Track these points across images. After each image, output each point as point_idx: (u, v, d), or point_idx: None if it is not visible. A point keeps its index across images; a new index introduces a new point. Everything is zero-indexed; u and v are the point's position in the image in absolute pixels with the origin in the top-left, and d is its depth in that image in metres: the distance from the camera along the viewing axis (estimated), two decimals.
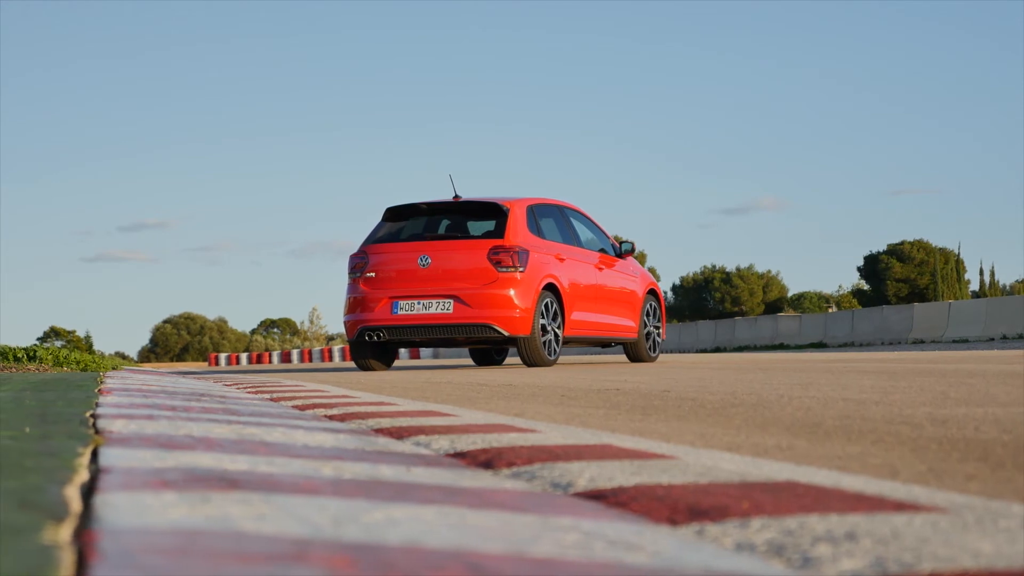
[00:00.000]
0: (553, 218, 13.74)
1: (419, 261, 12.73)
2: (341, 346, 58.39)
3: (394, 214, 13.35)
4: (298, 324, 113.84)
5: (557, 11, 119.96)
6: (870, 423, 3.77)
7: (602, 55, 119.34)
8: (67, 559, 1.17)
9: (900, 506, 1.95)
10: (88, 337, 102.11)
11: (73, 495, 1.75)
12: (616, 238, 14.88)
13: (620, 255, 14.60)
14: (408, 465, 2.67)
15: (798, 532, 1.74)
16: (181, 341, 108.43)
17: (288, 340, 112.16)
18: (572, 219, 14.15)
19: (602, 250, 14.35)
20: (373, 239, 13.21)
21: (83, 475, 2.08)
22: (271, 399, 6.09)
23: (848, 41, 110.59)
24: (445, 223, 13.46)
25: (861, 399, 5.06)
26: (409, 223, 13.38)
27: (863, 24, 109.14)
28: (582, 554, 1.48)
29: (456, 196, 13.36)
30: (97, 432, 3.06)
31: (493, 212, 13.05)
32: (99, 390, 6.04)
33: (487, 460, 2.87)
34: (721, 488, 2.21)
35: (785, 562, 1.57)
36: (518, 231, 12.82)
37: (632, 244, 14.71)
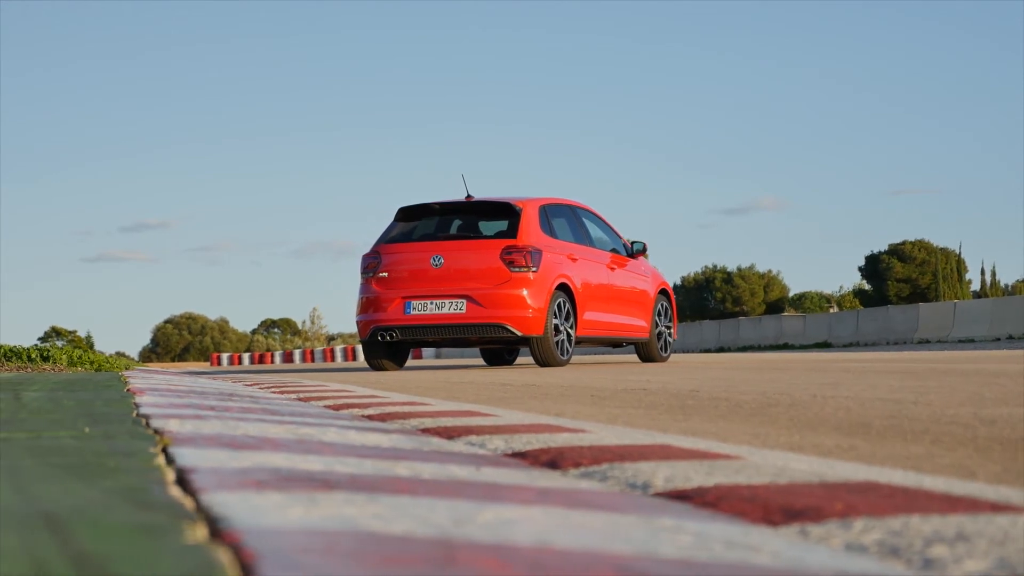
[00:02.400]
0: (565, 218, 13.74)
1: (432, 261, 12.72)
2: (343, 346, 58.40)
3: (406, 214, 13.35)
4: (299, 324, 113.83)
5: (556, 11, 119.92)
6: (919, 423, 3.76)
7: (602, 55, 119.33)
8: (226, 559, 1.16)
9: (996, 507, 1.95)
10: (89, 337, 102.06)
11: (178, 494, 1.74)
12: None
13: (632, 255, 14.60)
14: (476, 465, 2.66)
15: (905, 533, 1.73)
16: (182, 341, 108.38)
17: (289, 340, 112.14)
18: (584, 219, 14.15)
19: (614, 250, 14.34)
20: (386, 239, 13.20)
21: (170, 475, 2.07)
22: (299, 399, 6.08)
23: (848, 41, 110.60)
24: (457, 223, 13.45)
25: (896, 399, 5.05)
26: (421, 223, 13.37)
27: (863, 24, 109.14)
28: (708, 555, 1.47)
29: (468, 196, 13.35)
30: (156, 432, 3.05)
31: (506, 212, 13.04)
32: (128, 390, 6.03)
33: (550, 460, 2.86)
34: (804, 489, 2.20)
35: (905, 563, 1.56)
36: (531, 231, 12.81)
37: (644, 244, 14.71)
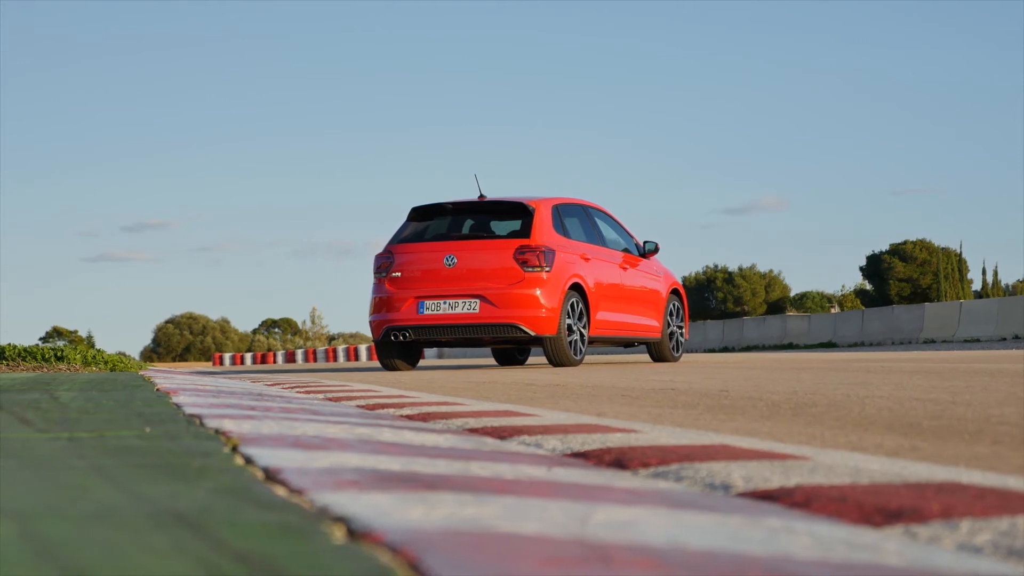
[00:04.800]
0: (578, 217, 13.73)
1: (445, 261, 12.71)
2: (345, 346, 58.38)
3: (419, 214, 13.34)
4: (299, 324, 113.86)
5: (555, 11, 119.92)
6: (970, 423, 3.75)
7: (602, 56, 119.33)
8: (386, 558, 1.15)
9: None
10: (90, 337, 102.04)
11: (284, 494, 1.73)
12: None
13: (644, 254, 14.60)
14: (547, 466, 2.65)
15: (1016, 534, 1.72)
16: (183, 341, 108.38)
17: (290, 340, 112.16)
18: (597, 219, 14.14)
19: (626, 250, 14.34)
20: (398, 239, 13.20)
21: (259, 474, 2.06)
22: (328, 399, 6.07)
23: (849, 41, 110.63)
24: (470, 223, 13.44)
25: (933, 399, 5.04)
26: (434, 223, 13.36)
27: (863, 24, 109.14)
28: (839, 556, 1.47)
29: (481, 196, 13.35)
30: (216, 432, 3.04)
31: (519, 212, 13.03)
32: (157, 389, 6.03)
33: (615, 460, 2.85)
34: (890, 489, 2.19)
35: None
36: (544, 231, 12.80)
37: (656, 244, 14.70)
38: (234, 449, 2.56)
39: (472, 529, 1.40)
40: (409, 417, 4.56)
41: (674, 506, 1.89)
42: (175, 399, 4.87)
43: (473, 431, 3.81)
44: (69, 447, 2.59)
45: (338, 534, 1.31)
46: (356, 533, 1.32)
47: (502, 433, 3.65)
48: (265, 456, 2.41)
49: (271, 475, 2.05)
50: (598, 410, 4.79)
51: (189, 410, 4.04)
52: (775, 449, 2.98)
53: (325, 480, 1.96)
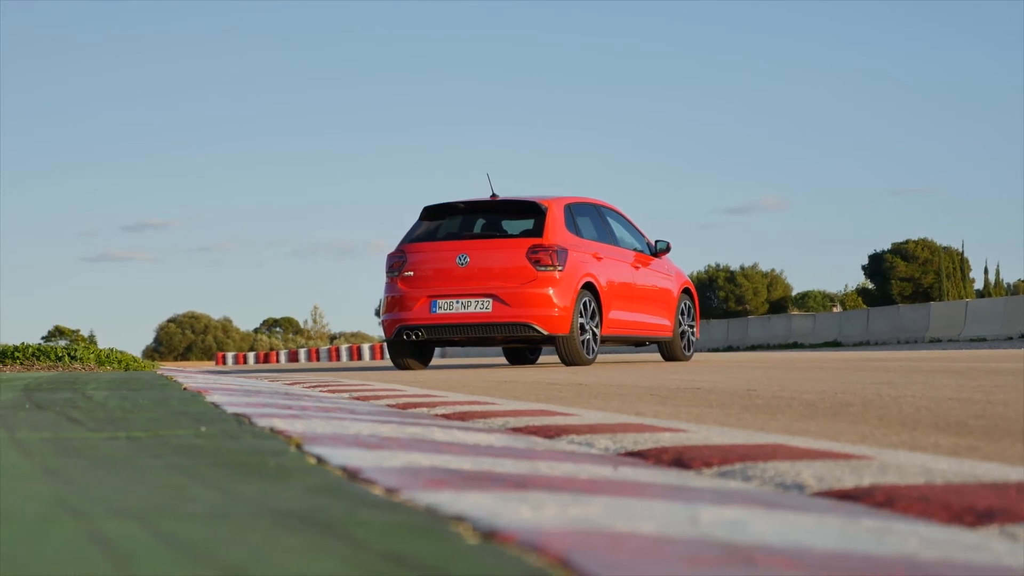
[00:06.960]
0: (590, 217, 13.73)
1: (457, 260, 12.71)
2: (347, 345, 58.38)
3: (431, 213, 13.34)
4: (300, 323, 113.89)
5: (555, 11, 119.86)
6: (1014, 423, 3.74)
7: (602, 56, 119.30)
8: (532, 558, 1.14)
9: None
10: (92, 336, 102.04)
11: (381, 493, 1.72)
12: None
13: (655, 254, 14.61)
14: (612, 465, 2.64)
15: None
16: (185, 340, 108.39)
17: (291, 339, 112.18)
18: (608, 218, 14.14)
19: (638, 249, 14.35)
20: (411, 238, 13.20)
21: (338, 473, 2.05)
22: (354, 398, 6.05)
23: (850, 41, 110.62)
24: (482, 222, 13.44)
25: (967, 398, 5.03)
26: (446, 222, 13.37)
27: (863, 24, 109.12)
28: (962, 558, 1.45)
29: (494, 195, 13.35)
30: (272, 432, 3.02)
31: (531, 211, 13.03)
32: (185, 388, 6.02)
33: (674, 460, 2.83)
34: (971, 489, 2.18)
35: None
36: (556, 230, 12.80)
37: (668, 243, 14.70)
38: (299, 448, 2.55)
39: (592, 529, 1.39)
40: (447, 416, 4.55)
41: (768, 506, 1.87)
42: (209, 398, 4.86)
43: (517, 431, 3.79)
44: (132, 446, 2.58)
45: (467, 534, 1.30)
46: (485, 533, 1.31)
47: (548, 432, 3.64)
48: (335, 455, 2.40)
49: (352, 474, 2.04)
50: (634, 409, 4.78)
51: (231, 409, 4.02)
52: (834, 449, 2.96)
53: (410, 480, 1.95)
